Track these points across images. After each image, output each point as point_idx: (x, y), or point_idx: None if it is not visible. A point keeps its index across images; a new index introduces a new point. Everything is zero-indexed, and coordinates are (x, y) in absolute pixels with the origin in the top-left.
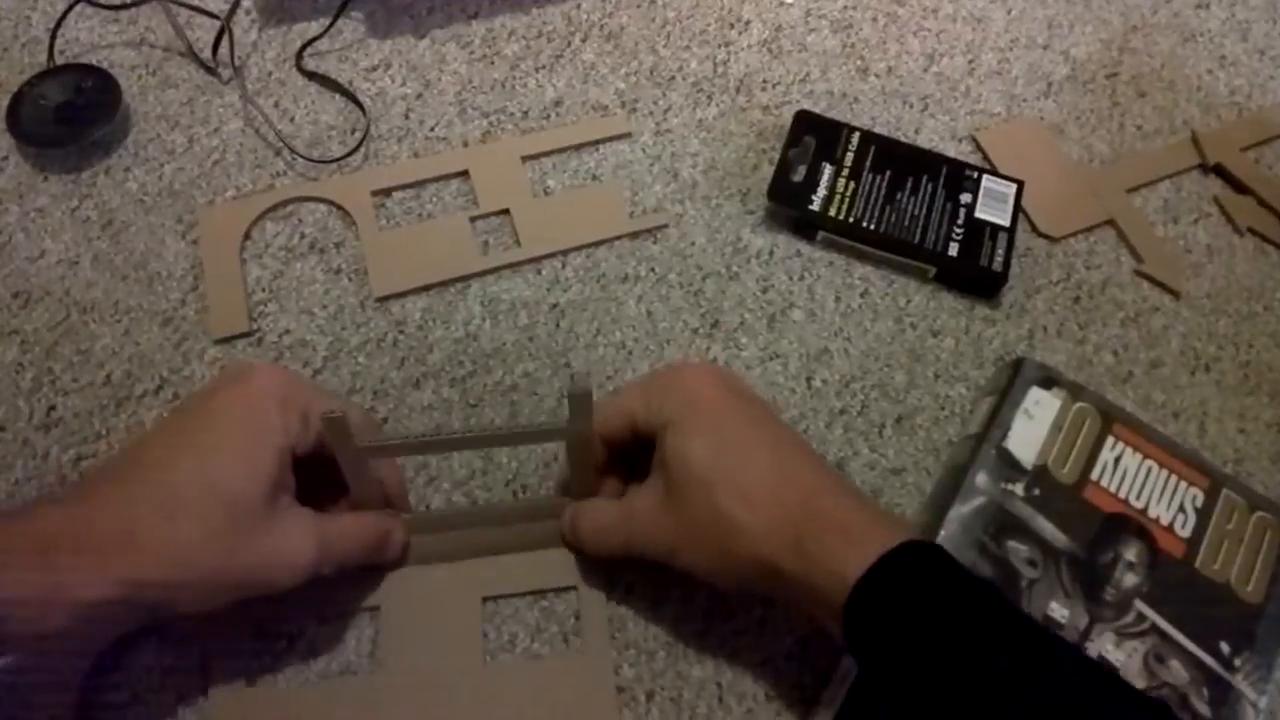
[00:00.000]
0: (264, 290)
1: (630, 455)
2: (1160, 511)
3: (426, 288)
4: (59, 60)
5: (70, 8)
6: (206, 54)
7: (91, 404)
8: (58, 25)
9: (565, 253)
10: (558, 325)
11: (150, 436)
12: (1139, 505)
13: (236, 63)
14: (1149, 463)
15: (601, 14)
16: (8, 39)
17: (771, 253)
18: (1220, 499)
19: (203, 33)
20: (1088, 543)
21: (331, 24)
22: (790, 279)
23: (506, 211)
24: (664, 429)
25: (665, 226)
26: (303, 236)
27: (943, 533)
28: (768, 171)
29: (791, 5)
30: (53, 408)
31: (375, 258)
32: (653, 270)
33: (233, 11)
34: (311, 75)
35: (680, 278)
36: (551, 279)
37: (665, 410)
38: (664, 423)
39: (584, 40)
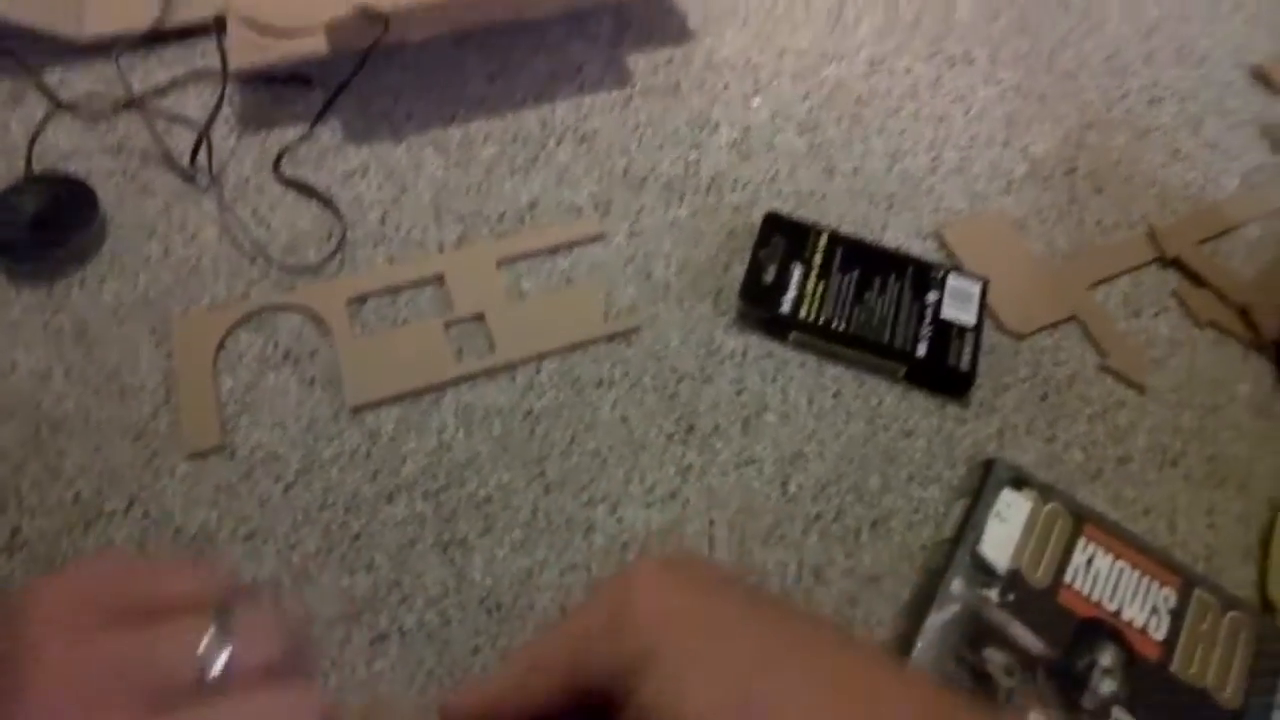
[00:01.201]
0: (237, 402)
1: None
2: (1134, 614)
3: (400, 397)
4: (37, 167)
5: (48, 116)
6: (185, 160)
7: (59, 524)
8: (36, 135)
9: (540, 357)
10: (532, 433)
11: None
12: (1112, 608)
13: (214, 170)
14: (1121, 564)
15: (575, 117)
16: None
17: (745, 353)
18: (1193, 599)
19: (180, 139)
20: (1064, 648)
21: (310, 130)
22: (764, 380)
23: (481, 316)
24: (626, 681)
25: (639, 329)
26: (277, 346)
27: (920, 643)
28: (739, 271)
29: (759, 107)
30: (18, 529)
31: (350, 366)
32: (627, 374)
33: (212, 120)
34: (289, 182)
35: (655, 381)
36: (526, 385)
37: (621, 659)
38: (624, 672)
39: (558, 143)
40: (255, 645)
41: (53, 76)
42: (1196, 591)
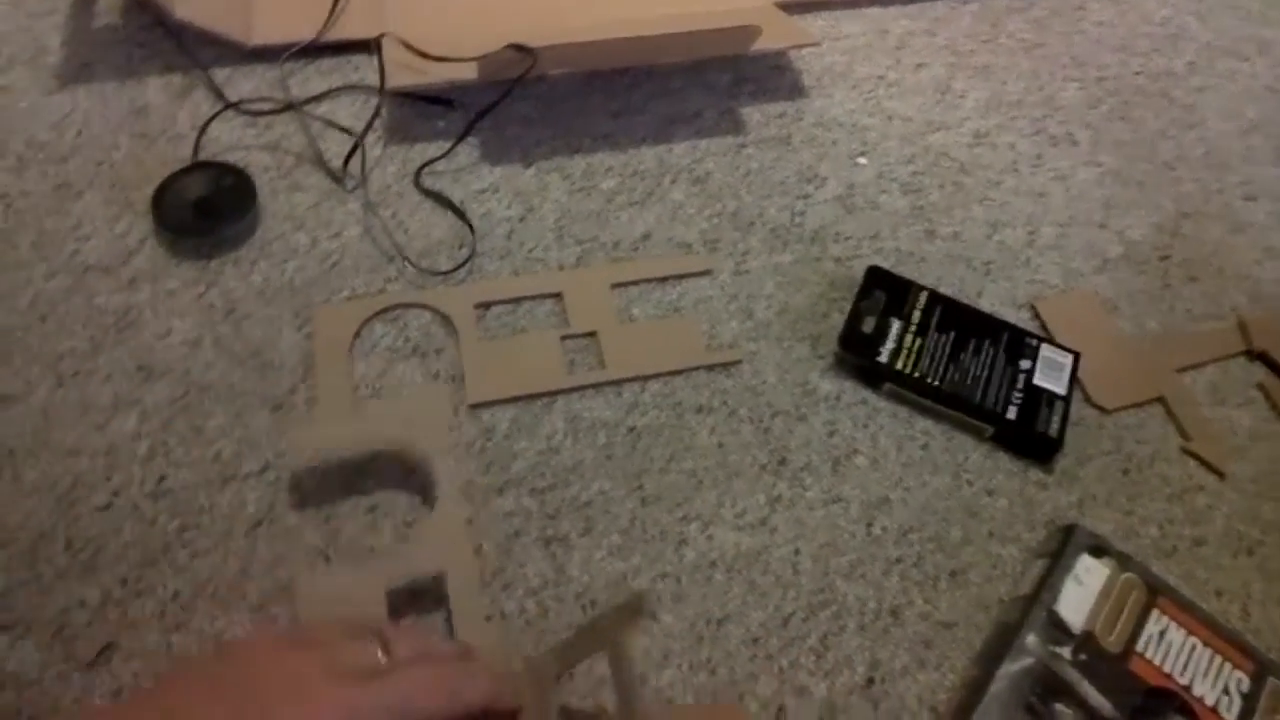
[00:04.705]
0: (368, 387)
1: None
2: (1205, 690)
3: (515, 399)
4: (202, 156)
5: (216, 112)
6: (335, 164)
7: (199, 478)
8: (204, 127)
9: (645, 378)
10: (634, 448)
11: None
12: (1183, 681)
13: (362, 174)
14: (1193, 639)
15: (691, 159)
16: (156, 133)
17: (839, 398)
18: (1266, 686)
19: (332, 143)
20: (1131, 714)
21: (451, 148)
22: (855, 425)
23: (594, 334)
24: None
25: (739, 362)
26: (407, 340)
27: (991, 689)
28: (837, 320)
29: (865, 166)
30: (164, 477)
31: (471, 366)
32: (725, 403)
33: (367, 130)
34: (428, 192)
35: (751, 413)
36: (631, 402)
37: None
38: None
39: (673, 182)
40: (404, 644)
41: (220, 75)
42: (1270, 679)
